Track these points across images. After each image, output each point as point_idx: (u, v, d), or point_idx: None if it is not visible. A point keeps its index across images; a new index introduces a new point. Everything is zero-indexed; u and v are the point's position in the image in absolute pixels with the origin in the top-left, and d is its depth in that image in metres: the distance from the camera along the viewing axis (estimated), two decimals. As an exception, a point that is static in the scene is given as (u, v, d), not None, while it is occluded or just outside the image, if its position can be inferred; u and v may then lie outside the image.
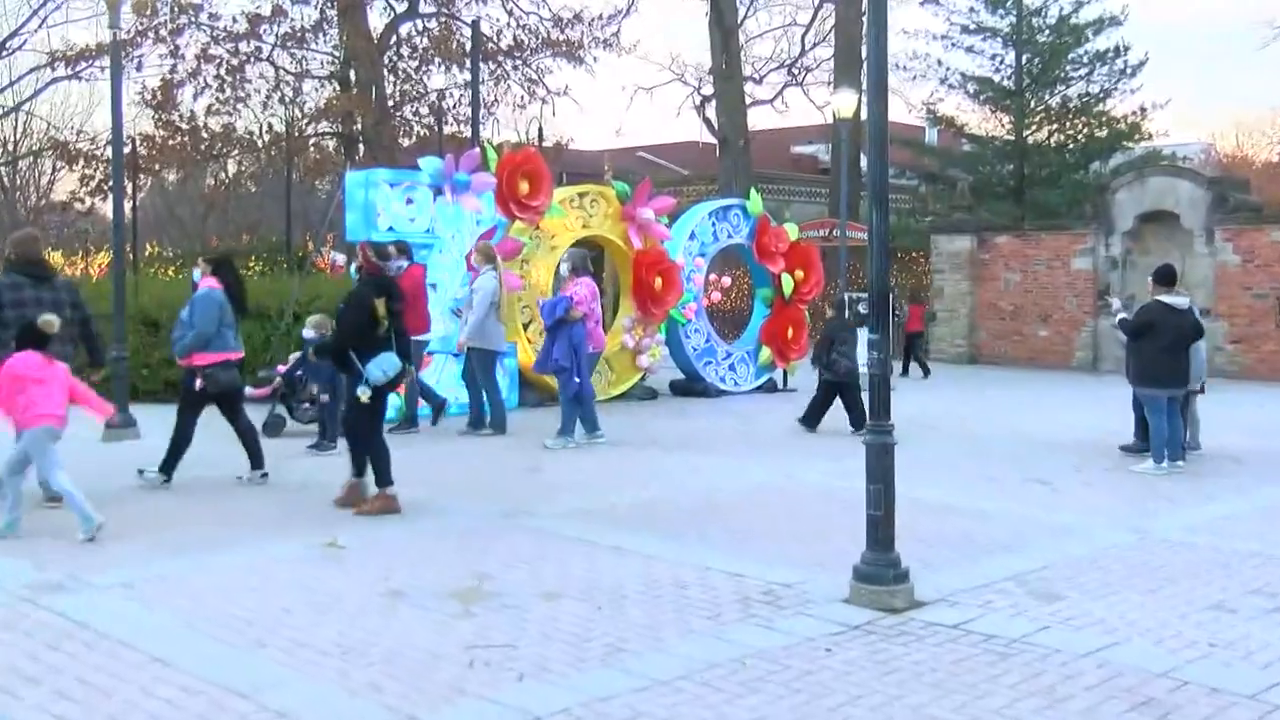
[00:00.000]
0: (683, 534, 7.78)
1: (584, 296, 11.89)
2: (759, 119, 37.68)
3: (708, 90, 35.12)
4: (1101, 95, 29.28)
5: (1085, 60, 29.08)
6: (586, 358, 11.94)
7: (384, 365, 8.31)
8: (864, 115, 6.63)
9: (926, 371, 21.21)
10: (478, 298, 12.36)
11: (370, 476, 8.51)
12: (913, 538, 7.33)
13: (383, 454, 8.46)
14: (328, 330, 11.28)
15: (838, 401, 13.19)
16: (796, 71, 38.26)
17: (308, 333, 11.63)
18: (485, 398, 12.61)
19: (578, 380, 11.74)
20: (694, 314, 16.94)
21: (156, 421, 12.44)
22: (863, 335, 18.20)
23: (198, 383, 9.25)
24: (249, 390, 11.37)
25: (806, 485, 9.78)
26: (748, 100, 33.62)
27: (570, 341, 11.69)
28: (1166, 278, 10.82)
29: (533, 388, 15.22)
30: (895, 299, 20.81)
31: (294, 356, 12.58)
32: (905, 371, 21.01)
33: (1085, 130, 29.38)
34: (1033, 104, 29.40)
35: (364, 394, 8.30)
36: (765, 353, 17.63)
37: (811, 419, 13.28)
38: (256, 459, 9.55)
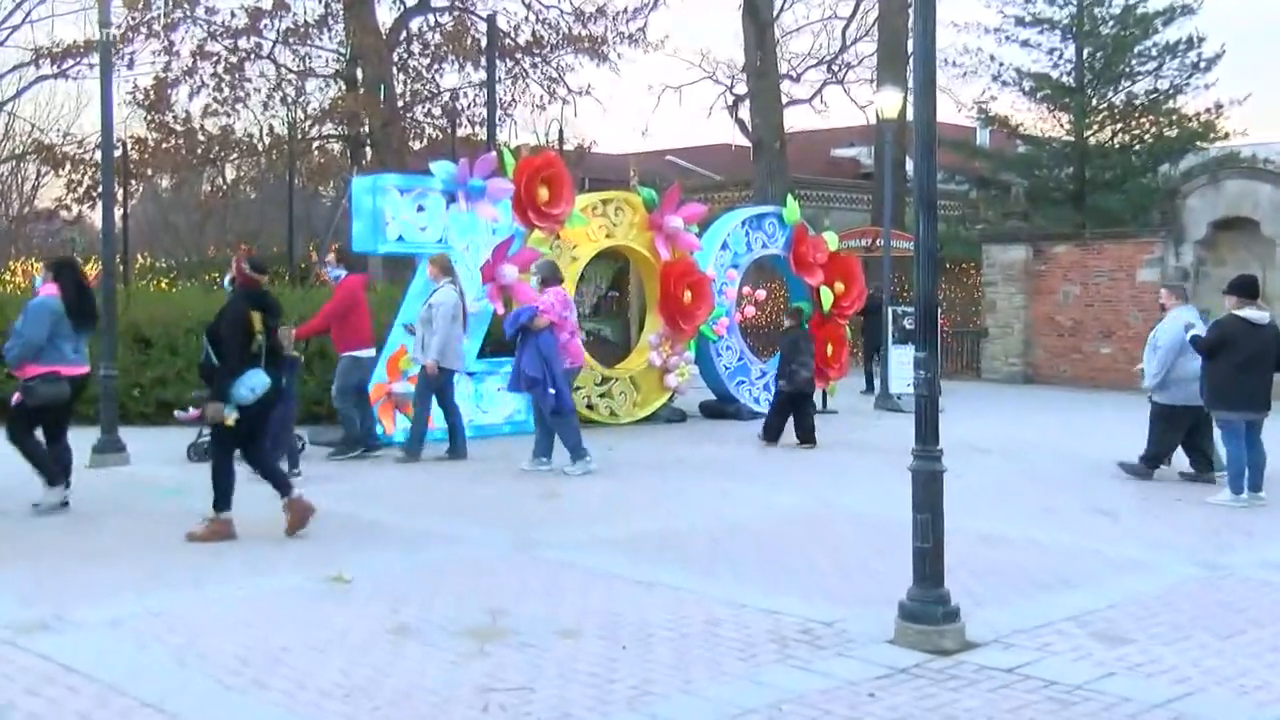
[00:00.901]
0: (713, 566, 7.76)
1: (550, 305, 11.79)
2: (796, 119, 37.80)
3: (741, 89, 35.21)
4: (1171, 91, 29.02)
5: (1153, 53, 28.80)
6: (563, 372, 11.70)
7: (252, 384, 8.30)
8: (910, 115, 6.62)
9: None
10: (438, 313, 12.23)
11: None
12: (964, 572, 7.29)
13: (228, 478, 8.51)
14: (287, 342, 11.33)
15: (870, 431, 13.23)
16: (837, 68, 38.36)
17: None
18: (412, 416, 12.53)
19: (553, 392, 11.55)
20: (726, 330, 16.94)
21: (148, 446, 12.55)
22: (893, 352, 18.37)
23: (15, 396, 9.21)
24: (179, 414, 11.43)
25: (848, 514, 9.75)
26: (784, 99, 33.71)
27: (539, 351, 11.53)
28: (1246, 290, 10.69)
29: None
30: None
31: None
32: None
33: (1153, 130, 29.16)
34: (1094, 102, 29.21)
35: (230, 416, 8.31)
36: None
37: (773, 432, 14.05)
38: (54, 477, 9.33)
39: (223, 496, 8.52)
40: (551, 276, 12.26)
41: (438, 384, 12.39)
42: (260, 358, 8.42)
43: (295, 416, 11.38)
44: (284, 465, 10.24)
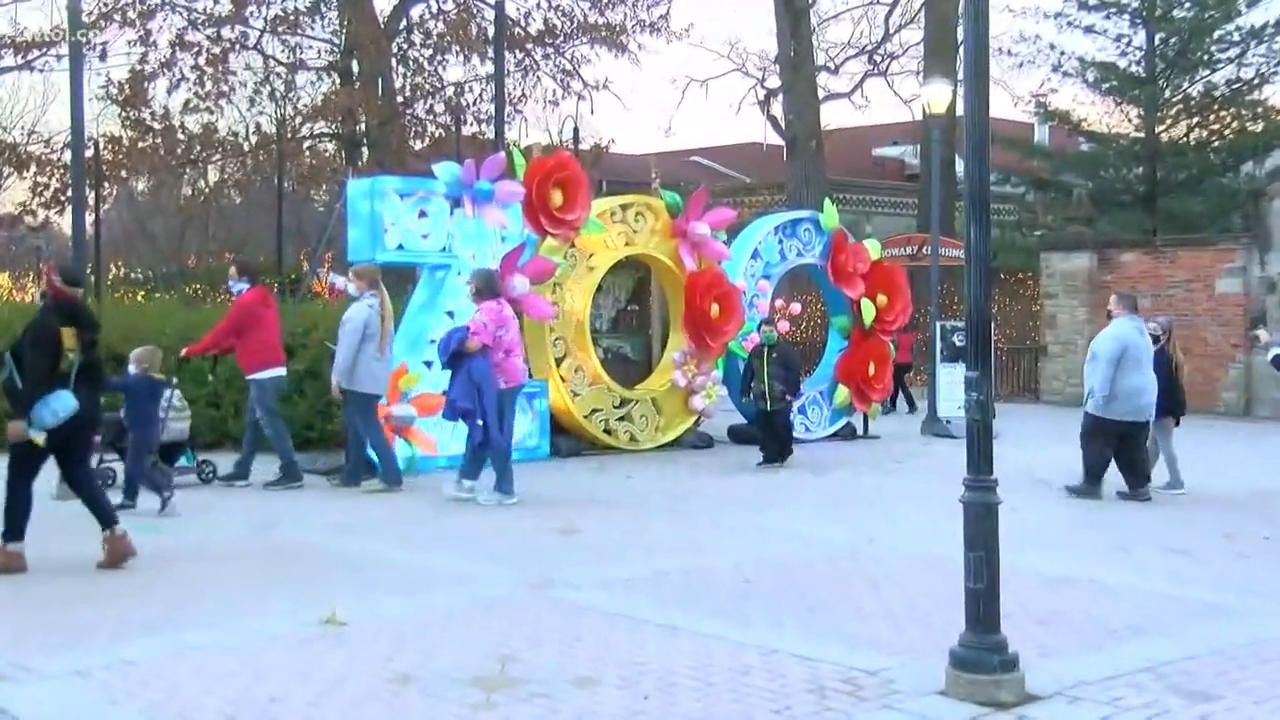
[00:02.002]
0: (745, 609, 7.75)
1: (482, 325, 11.70)
2: (835, 115, 37.91)
3: (774, 82, 35.28)
4: (1257, 81, 28.71)
5: (1236, 38, 28.47)
6: (495, 396, 11.60)
7: (55, 406, 8.30)
8: (960, 110, 6.63)
9: (913, 406, 21.96)
10: (344, 331, 12.26)
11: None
12: (1023, 617, 7.26)
13: (22, 506, 8.52)
14: (151, 364, 11.33)
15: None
16: (879, 59, 38.41)
17: (132, 368, 11.69)
18: (372, 448, 12.54)
19: (481, 423, 11.56)
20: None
21: (122, 476, 12.58)
22: (941, 372, 18.30)
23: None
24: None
25: (894, 551, 9.72)
26: (821, 94, 33.75)
27: (470, 378, 11.49)
28: None
29: (566, 434, 15.28)
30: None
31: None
32: (893, 406, 21.66)
33: (1234, 124, 28.96)
34: (1168, 94, 28.99)
35: (38, 437, 8.32)
36: (842, 393, 17.59)
37: (774, 452, 14.73)
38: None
39: (13, 527, 8.49)
40: (487, 288, 12.01)
41: (361, 409, 12.37)
42: (71, 377, 8.36)
43: (155, 442, 11.34)
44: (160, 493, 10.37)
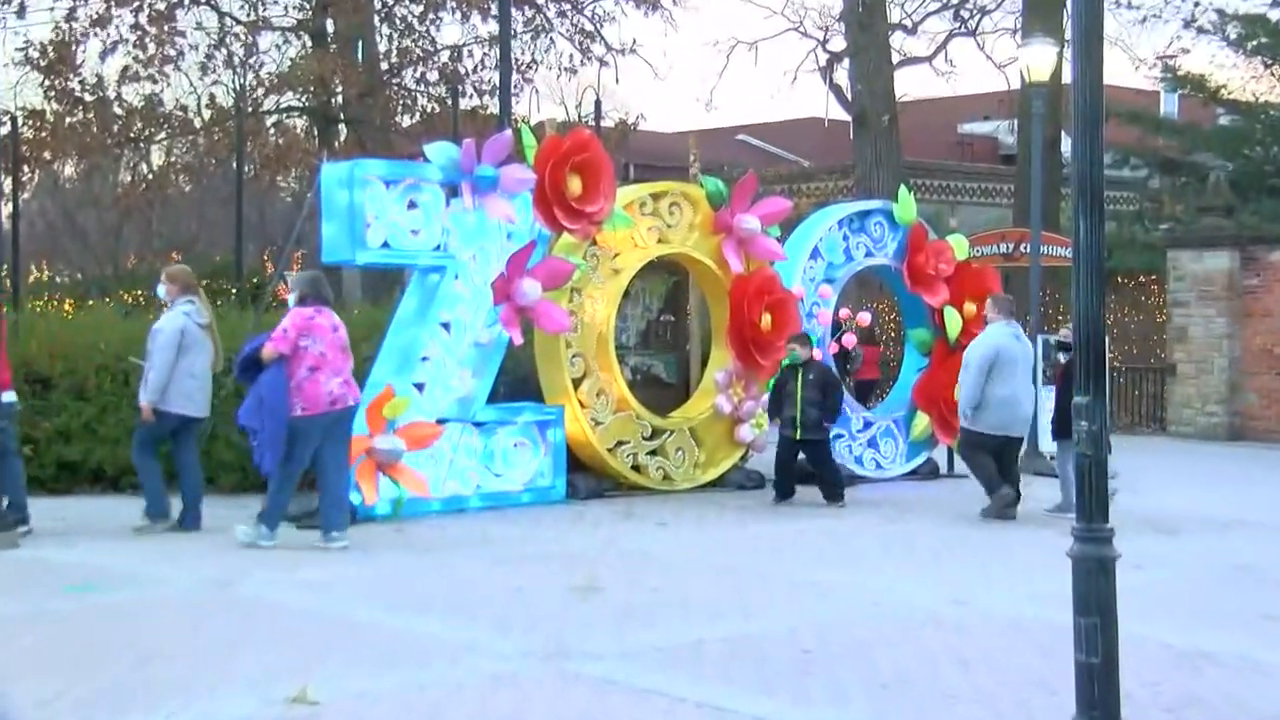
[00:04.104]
0: (804, 686, 7.75)
1: (283, 331, 11.75)
2: (912, 84, 37.86)
3: (838, 44, 35.28)
4: None
5: None
6: (283, 416, 11.65)
7: None
8: (1068, 76, 6.64)
9: None
10: (156, 342, 12.41)
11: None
12: (1149, 701, 7.23)
13: None
14: None
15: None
16: (967, 14, 38.30)
17: None
18: (138, 471, 12.66)
19: (256, 444, 11.71)
20: (819, 366, 16.95)
21: (46, 521, 12.67)
22: (1042, 397, 18.20)
23: None
24: None
25: (984, 615, 9.69)
26: (896, 58, 33.70)
27: (259, 394, 11.66)
28: None
29: (586, 471, 15.30)
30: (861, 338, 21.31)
31: None
32: None
33: None
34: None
35: None
36: (921, 422, 17.55)
37: (788, 488, 15.14)
38: None
39: None
40: (312, 292, 12.10)
41: (160, 431, 12.55)
42: None
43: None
44: None
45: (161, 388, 12.38)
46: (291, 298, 12.33)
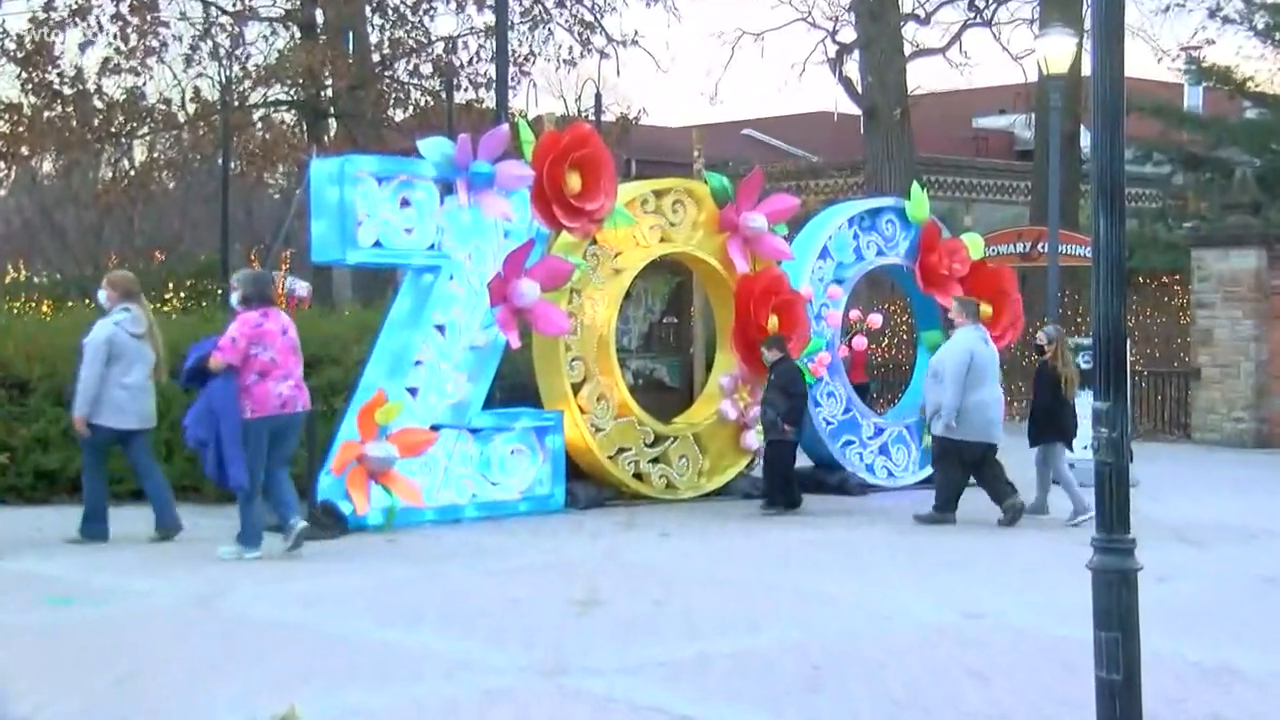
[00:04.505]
0: (812, 704, 7.74)
1: (230, 341, 11.79)
2: (925, 77, 37.85)
3: (848, 35, 35.26)
4: None
5: None
6: (236, 425, 11.72)
7: None
8: (1087, 68, 6.63)
9: None
10: (85, 353, 12.45)
11: None
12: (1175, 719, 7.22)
13: None
14: None
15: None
16: (983, 4, 38.29)
17: None
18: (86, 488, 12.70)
19: (209, 456, 11.74)
20: (827, 370, 16.93)
21: (23, 530, 12.68)
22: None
23: None
24: None
25: (1001, 629, 9.69)
26: (908, 49, 33.69)
27: (208, 404, 11.72)
28: None
29: (585, 479, 15.30)
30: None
31: None
32: None
33: None
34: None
35: None
36: (936, 428, 17.56)
37: (787, 496, 15.26)
38: None
39: None
40: (256, 294, 12.14)
41: (97, 445, 12.61)
42: None
43: None
44: None
45: (91, 400, 12.45)
46: (234, 296, 12.34)
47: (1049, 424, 15.06)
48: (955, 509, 14.46)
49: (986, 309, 17.48)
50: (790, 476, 15.42)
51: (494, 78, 21.96)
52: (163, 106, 28.80)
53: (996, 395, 14.71)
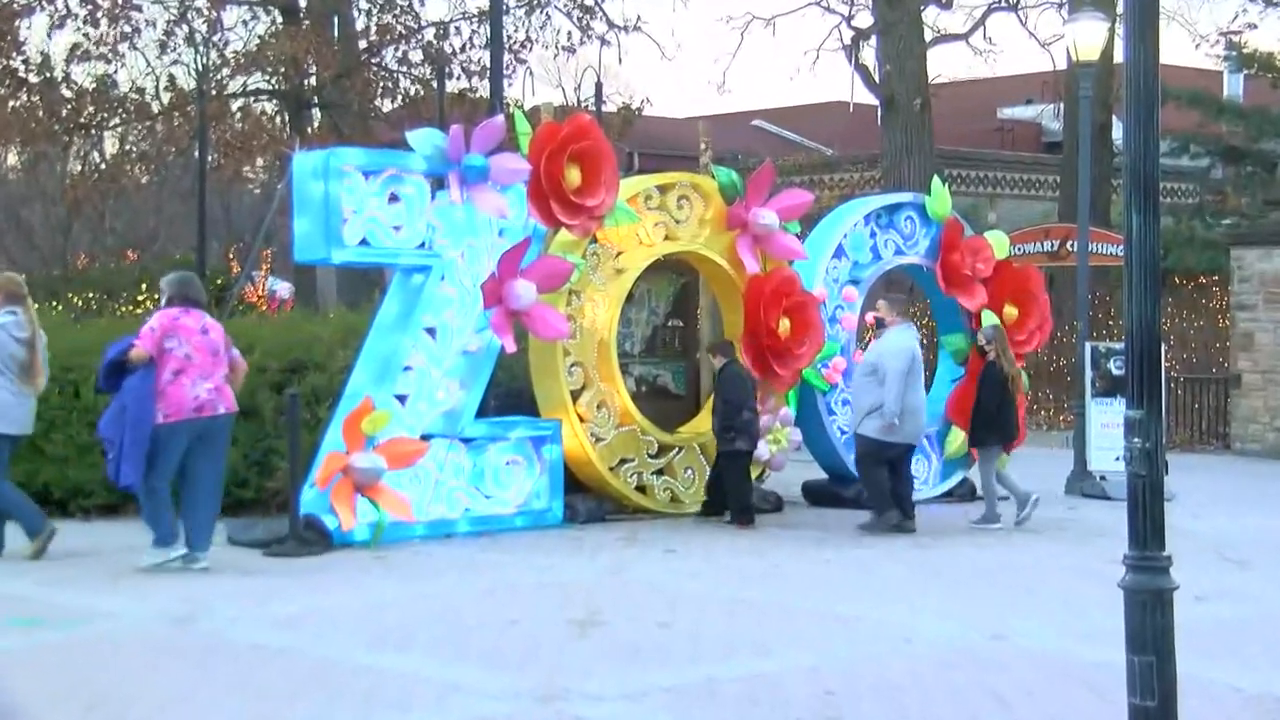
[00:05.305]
0: (828, 731, 7.75)
1: (150, 330, 11.86)
2: (947, 65, 37.82)
3: (864, 20, 35.30)
4: None
5: None
6: (147, 423, 11.77)
7: None
8: (1119, 55, 6.63)
9: None
10: None
11: None
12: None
13: None
14: None
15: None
16: (1008, -13, 38.33)
17: None
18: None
19: (111, 459, 11.82)
20: (842, 376, 16.93)
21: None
22: (1093, 410, 18.25)
23: None
24: None
25: (1027, 653, 9.69)
26: (929, 35, 33.72)
27: (121, 401, 11.81)
28: None
29: (585, 492, 15.30)
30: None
31: None
32: None
33: None
34: None
35: None
36: (956, 437, 17.51)
37: (740, 507, 15.34)
38: None
39: None
40: (179, 295, 12.24)
41: None
42: None
43: None
44: None
45: None
46: (162, 299, 12.39)
47: (994, 427, 15.52)
48: (893, 507, 14.78)
49: (1011, 311, 17.55)
50: (736, 491, 15.44)
51: (488, 65, 22.03)
52: (135, 96, 28.82)
53: (924, 397, 15.33)
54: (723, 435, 15.21)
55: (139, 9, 27.93)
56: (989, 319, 17.48)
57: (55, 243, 36.21)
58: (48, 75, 27.57)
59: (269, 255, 27.25)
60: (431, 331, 14.14)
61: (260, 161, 30.58)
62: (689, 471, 15.96)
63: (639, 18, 31.38)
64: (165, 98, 28.89)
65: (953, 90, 37.41)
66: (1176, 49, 34.36)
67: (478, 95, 27.67)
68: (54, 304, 24.17)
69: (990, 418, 15.49)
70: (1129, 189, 6.39)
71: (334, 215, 13.63)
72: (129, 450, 11.77)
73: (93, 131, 29.67)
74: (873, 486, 15.05)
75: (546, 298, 14.51)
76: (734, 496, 15.39)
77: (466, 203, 14.27)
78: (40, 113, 27.45)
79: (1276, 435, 24.02)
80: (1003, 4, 37.74)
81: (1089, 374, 19.09)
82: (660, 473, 15.82)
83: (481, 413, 14.67)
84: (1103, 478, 18.25)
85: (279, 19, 29.70)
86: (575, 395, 15.19)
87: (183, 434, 11.97)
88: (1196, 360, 26.07)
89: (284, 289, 29.76)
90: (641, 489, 15.62)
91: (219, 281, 24.95)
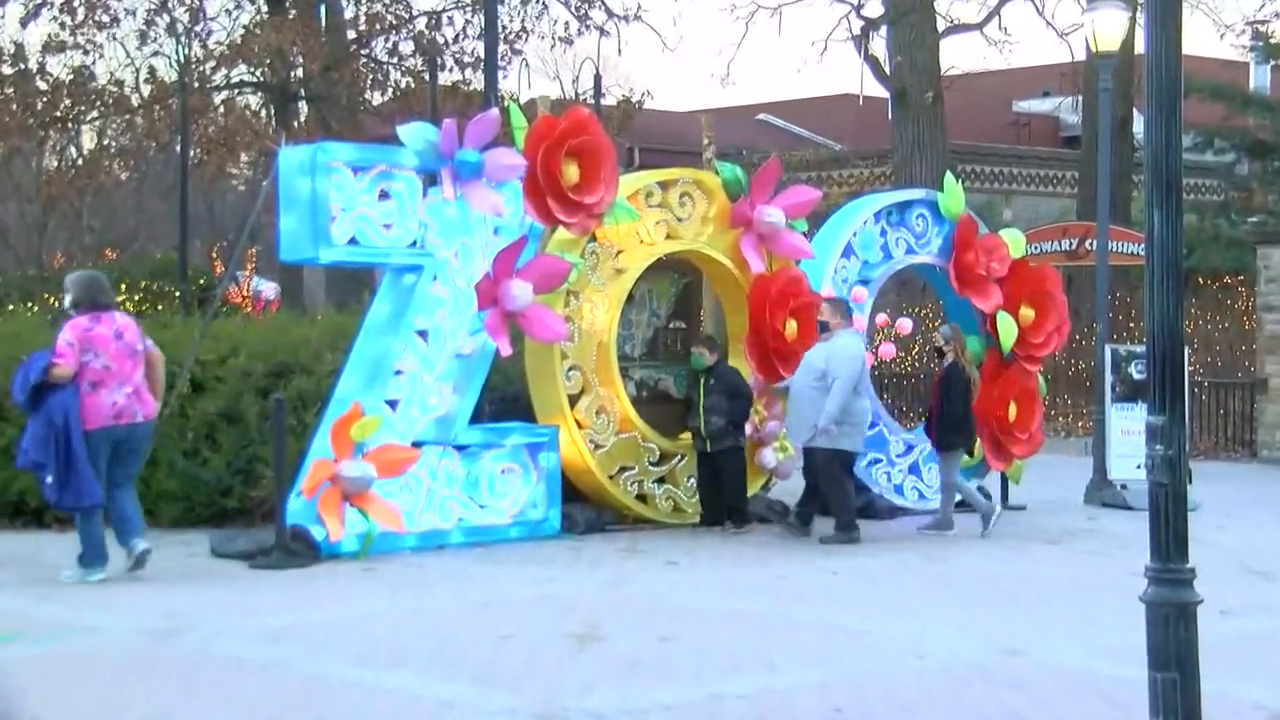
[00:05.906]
0: (837, 750, 7.75)
1: (67, 345, 11.86)
2: (960, 56, 37.83)
3: (874, 10, 35.34)
4: None
5: None
6: (81, 439, 11.82)
7: None
8: (1141, 46, 6.65)
9: None
10: None
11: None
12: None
13: None
14: None
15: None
16: (1023, -24, 38.33)
17: None
18: None
19: (50, 480, 11.82)
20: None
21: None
22: (1113, 416, 18.26)
23: None
24: None
25: (1044, 669, 9.69)
26: (942, 25, 33.74)
27: (49, 420, 11.79)
28: None
29: (584, 501, 15.31)
30: None
31: None
32: None
33: None
34: None
35: None
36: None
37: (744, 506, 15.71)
38: None
39: None
40: (86, 298, 12.24)
41: None
42: None
43: None
44: None
45: None
46: (66, 300, 12.40)
47: (958, 430, 15.75)
48: (857, 528, 14.97)
49: (1028, 313, 17.55)
50: (737, 491, 15.61)
51: (482, 57, 21.99)
52: (114, 88, 28.83)
53: (867, 402, 15.57)
54: (729, 432, 15.31)
55: (118, -3, 27.98)
56: (1004, 321, 17.50)
57: (30, 242, 36.20)
58: (22, 67, 27.55)
59: (254, 255, 27.28)
60: (423, 334, 14.14)
61: (245, 157, 30.57)
62: (692, 480, 15.96)
63: (639, 7, 31.38)
64: (145, 90, 28.88)
65: (966, 82, 37.49)
66: (1200, 39, 34.34)
67: (471, 88, 27.66)
68: (29, 305, 24.20)
69: (957, 420, 15.70)
70: (1150, 185, 6.41)
71: (322, 213, 13.62)
72: (68, 474, 11.81)
73: (69, 125, 29.67)
74: (845, 499, 15.10)
75: (543, 299, 14.52)
76: (740, 495, 15.55)
77: (460, 200, 14.27)
78: (14, 106, 27.42)
79: (1304, 441, 24.03)
80: (1018, -8, 37.80)
81: (1109, 378, 19.09)
82: (662, 481, 15.83)
83: (476, 418, 14.68)
84: (1123, 486, 18.24)
85: (264, 9, 29.71)
86: (573, 400, 15.20)
87: (103, 443, 12.03)
88: (1221, 364, 26.06)
89: (270, 290, 29.76)
90: (642, 498, 15.62)
91: (202, 282, 24.97)
